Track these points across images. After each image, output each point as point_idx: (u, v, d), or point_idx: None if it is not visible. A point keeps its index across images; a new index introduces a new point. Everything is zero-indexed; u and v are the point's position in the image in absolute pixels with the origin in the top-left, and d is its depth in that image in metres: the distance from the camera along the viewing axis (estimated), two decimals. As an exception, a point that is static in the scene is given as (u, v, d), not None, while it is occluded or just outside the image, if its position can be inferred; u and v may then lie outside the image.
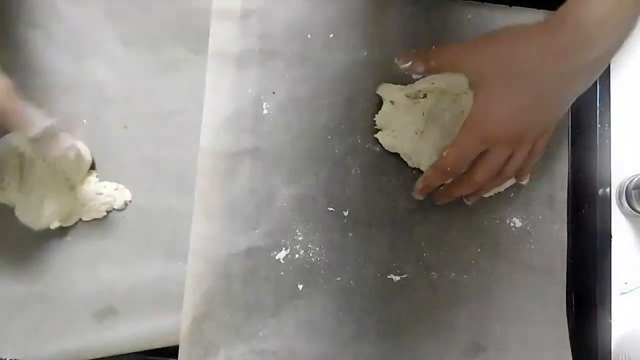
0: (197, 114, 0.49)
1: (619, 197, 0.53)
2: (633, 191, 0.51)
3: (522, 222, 0.50)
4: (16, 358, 0.46)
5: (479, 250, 0.50)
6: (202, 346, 0.46)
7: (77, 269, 0.48)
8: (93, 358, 0.46)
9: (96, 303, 0.47)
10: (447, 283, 0.49)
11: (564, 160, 0.52)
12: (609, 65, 0.51)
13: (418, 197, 0.49)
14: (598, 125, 0.50)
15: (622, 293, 0.51)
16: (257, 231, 0.48)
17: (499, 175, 0.45)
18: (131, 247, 0.48)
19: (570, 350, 0.48)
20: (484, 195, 0.50)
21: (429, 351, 0.47)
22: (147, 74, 0.50)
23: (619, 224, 0.52)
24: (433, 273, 0.49)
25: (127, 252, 0.48)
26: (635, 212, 0.52)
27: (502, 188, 0.50)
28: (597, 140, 0.50)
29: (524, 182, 0.50)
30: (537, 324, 0.49)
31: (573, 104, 0.50)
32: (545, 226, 0.50)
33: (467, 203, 0.50)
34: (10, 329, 0.46)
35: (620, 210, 0.53)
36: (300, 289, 0.47)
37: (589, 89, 0.50)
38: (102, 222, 0.49)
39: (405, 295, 0.48)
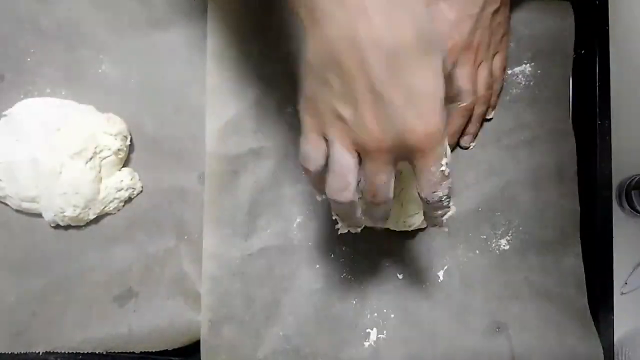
0: (195, 93, 0.50)
1: (619, 198, 0.52)
2: (633, 191, 0.51)
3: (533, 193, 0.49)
4: (47, 350, 0.46)
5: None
6: (223, 349, 0.46)
7: (91, 255, 0.48)
8: (120, 343, 0.46)
9: (115, 287, 0.47)
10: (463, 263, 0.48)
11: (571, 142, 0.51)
12: (609, 63, 0.51)
13: (465, 145, 0.50)
14: (598, 122, 0.50)
15: (623, 293, 0.51)
16: (268, 231, 0.48)
17: (493, 80, 0.49)
18: (141, 228, 0.48)
19: (592, 323, 0.47)
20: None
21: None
22: (140, 58, 0.50)
23: (620, 224, 0.52)
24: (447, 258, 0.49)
25: (138, 233, 0.48)
26: (635, 213, 0.52)
27: None
28: (597, 138, 0.49)
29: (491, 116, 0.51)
30: (554, 300, 0.48)
31: (572, 102, 0.49)
32: (557, 200, 0.49)
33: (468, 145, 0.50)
34: (35, 324, 0.46)
35: (621, 210, 0.53)
36: (319, 287, 0.47)
37: (588, 86, 0.51)
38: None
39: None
